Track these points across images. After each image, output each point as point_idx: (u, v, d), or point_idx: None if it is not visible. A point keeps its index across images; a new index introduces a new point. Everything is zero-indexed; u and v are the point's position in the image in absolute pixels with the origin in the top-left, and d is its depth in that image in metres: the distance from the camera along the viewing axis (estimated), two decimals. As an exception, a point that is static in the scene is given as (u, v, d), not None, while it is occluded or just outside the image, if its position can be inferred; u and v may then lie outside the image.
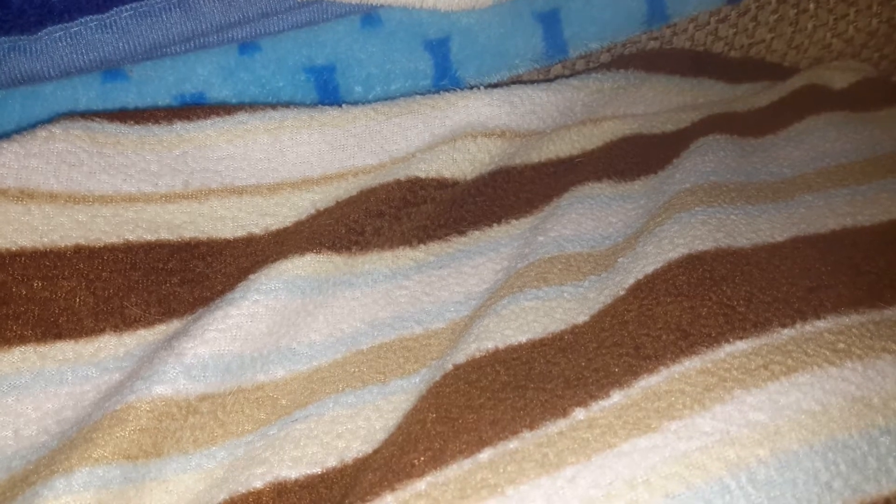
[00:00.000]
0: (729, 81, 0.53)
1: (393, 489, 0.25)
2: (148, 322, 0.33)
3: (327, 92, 0.43)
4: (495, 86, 0.43)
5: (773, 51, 0.54)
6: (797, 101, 0.50)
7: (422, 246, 0.39)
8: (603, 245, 0.39)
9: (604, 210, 0.41)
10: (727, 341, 0.28)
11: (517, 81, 0.45)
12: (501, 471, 0.25)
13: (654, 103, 0.49)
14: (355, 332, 0.35)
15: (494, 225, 0.41)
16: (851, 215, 0.38)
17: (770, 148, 0.46)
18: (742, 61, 0.54)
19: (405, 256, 0.38)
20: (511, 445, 0.26)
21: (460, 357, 0.31)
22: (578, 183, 0.42)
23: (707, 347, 0.28)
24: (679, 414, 0.26)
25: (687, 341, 0.28)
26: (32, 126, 0.35)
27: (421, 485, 0.25)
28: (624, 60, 0.48)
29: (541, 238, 0.39)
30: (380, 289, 0.37)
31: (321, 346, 0.34)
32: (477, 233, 0.40)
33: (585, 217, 0.40)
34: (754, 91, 0.53)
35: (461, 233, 0.40)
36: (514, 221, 0.41)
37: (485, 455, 0.26)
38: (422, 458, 0.26)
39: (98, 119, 0.36)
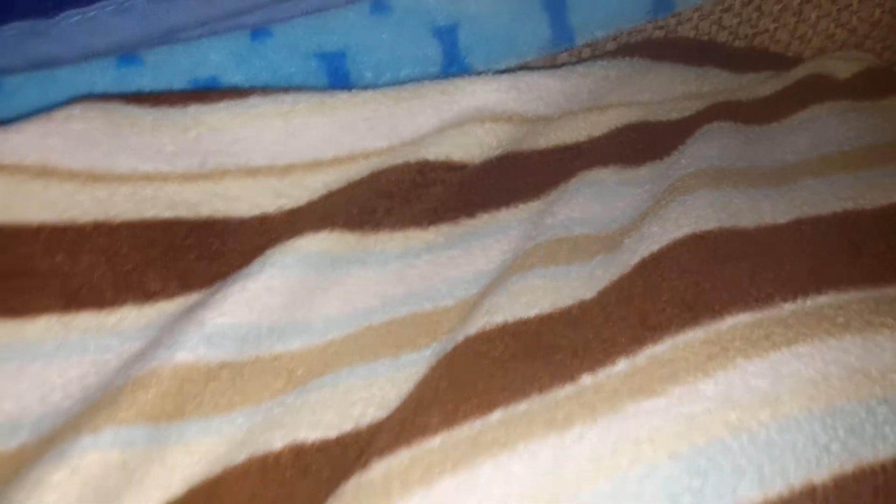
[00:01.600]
0: (733, 71, 0.53)
1: (409, 444, 0.26)
2: (168, 295, 0.34)
3: (338, 78, 0.44)
4: (503, 72, 0.44)
5: (777, 41, 0.55)
6: (801, 90, 0.51)
7: (432, 228, 0.40)
8: (609, 227, 0.39)
9: (610, 195, 0.42)
10: (730, 314, 0.29)
11: (524, 68, 0.46)
12: (512, 430, 0.26)
13: (660, 91, 0.50)
14: (368, 308, 0.36)
15: (503, 208, 0.41)
16: (853, 199, 0.39)
17: (774, 136, 0.47)
18: (746, 51, 0.55)
19: (415, 238, 0.39)
20: (521, 407, 0.27)
21: (471, 330, 0.32)
22: (585, 168, 0.43)
23: (710, 319, 0.29)
24: (683, 380, 0.26)
25: (691, 313, 0.29)
26: (50, 108, 0.36)
27: (435, 441, 0.26)
28: (629, 49, 0.49)
29: (549, 220, 0.39)
30: (391, 268, 0.38)
31: (335, 320, 0.35)
32: (486, 216, 0.41)
33: (592, 201, 0.41)
34: (759, 81, 0.54)
35: (470, 215, 0.41)
36: (521, 205, 0.42)
37: (496, 416, 0.27)
38: (435, 420, 0.27)
39: (115, 101, 0.37)
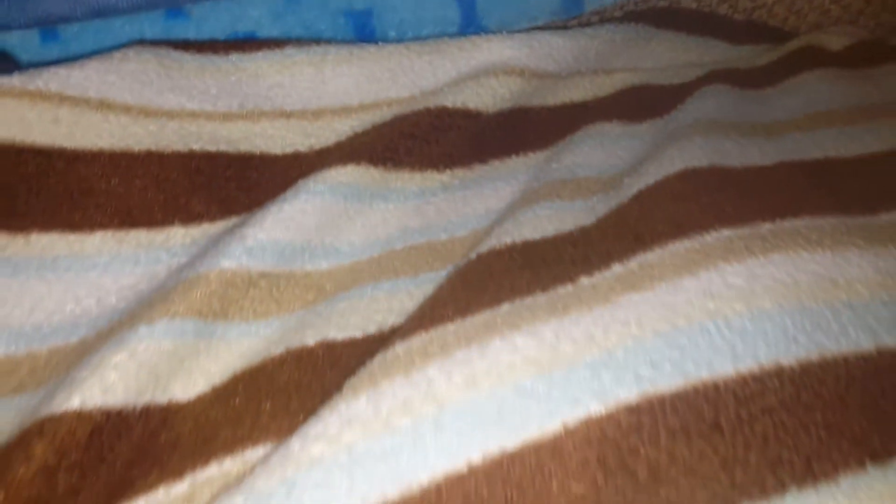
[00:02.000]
0: (732, 42, 0.57)
1: (427, 330, 0.30)
2: (210, 218, 0.38)
3: (364, 35, 0.48)
4: (516, 32, 0.47)
5: (775, 15, 0.58)
6: (794, 59, 0.55)
7: (447, 171, 0.43)
8: (610, 172, 0.43)
9: (612, 145, 0.45)
10: (714, 229, 0.33)
11: (536, 29, 0.50)
12: (518, 316, 0.29)
13: (663, 59, 0.54)
14: (389, 236, 0.40)
15: (513, 156, 0.45)
16: (835, 149, 0.43)
17: (767, 98, 0.50)
18: (745, 24, 0.58)
19: (432, 179, 0.43)
20: (526, 302, 0.31)
21: (482, 249, 0.36)
22: (590, 123, 0.47)
23: (696, 233, 0.33)
24: (669, 278, 0.30)
25: (679, 229, 0.33)
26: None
27: (450, 327, 0.30)
28: (634, 16, 0.52)
29: (554, 165, 0.43)
30: (410, 204, 0.42)
31: (359, 245, 0.39)
32: (497, 162, 0.45)
33: (595, 150, 0.45)
34: (756, 53, 0.57)
35: (483, 161, 0.44)
36: (530, 154, 0.45)
37: (504, 308, 0.30)
38: (450, 311, 0.31)
39: (165, 46, 0.41)
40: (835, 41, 0.57)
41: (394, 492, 0.25)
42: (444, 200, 0.42)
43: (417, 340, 0.29)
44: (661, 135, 0.45)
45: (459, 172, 0.44)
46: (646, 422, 0.26)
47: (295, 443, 0.26)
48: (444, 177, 0.43)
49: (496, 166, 0.44)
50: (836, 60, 0.54)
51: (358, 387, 0.28)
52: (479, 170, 0.44)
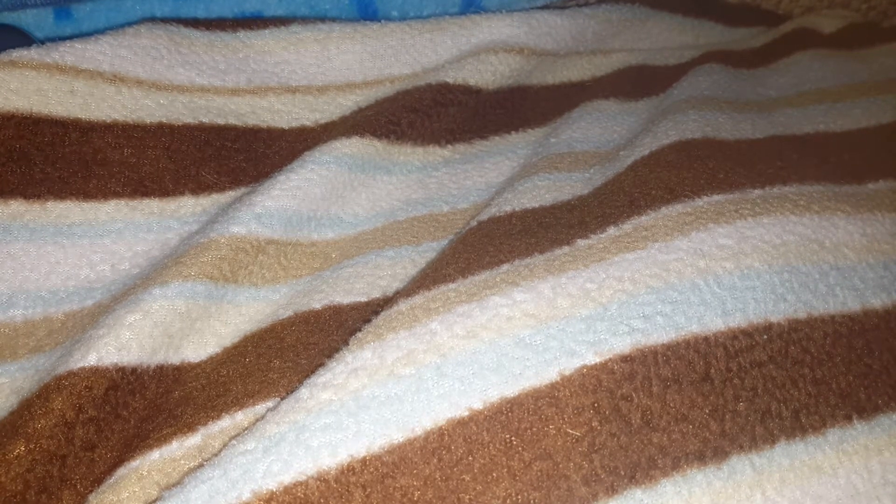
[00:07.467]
0: (727, 25, 0.58)
1: (429, 289, 0.31)
2: (220, 188, 0.39)
3: (367, 16, 0.49)
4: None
5: (769, -2, 0.60)
6: (788, 40, 0.56)
7: (449, 146, 0.45)
8: (607, 146, 0.44)
9: (610, 121, 0.47)
10: (706, 194, 0.34)
11: (534, 8, 0.51)
12: (517, 274, 0.31)
13: (659, 40, 0.55)
14: (392, 208, 0.41)
15: (513, 132, 0.46)
16: (825, 123, 0.44)
17: (760, 77, 0.52)
18: (740, 7, 0.60)
19: (434, 153, 0.44)
20: (525, 262, 0.32)
21: (483, 217, 0.37)
22: (588, 100, 0.48)
23: (688, 198, 0.34)
24: (662, 238, 0.31)
25: (672, 194, 0.34)
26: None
27: (452, 285, 0.31)
28: (631, -4, 0.54)
29: (553, 140, 0.44)
30: (413, 177, 0.43)
31: (364, 216, 0.40)
32: (497, 138, 0.46)
33: (593, 125, 0.46)
34: (750, 35, 0.59)
35: (483, 137, 0.46)
36: (530, 130, 0.47)
37: (504, 268, 0.32)
38: (452, 271, 0.32)
39: (175, 24, 0.42)
40: (827, 24, 0.58)
41: (399, 435, 0.26)
42: (446, 174, 0.43)
43: (420, 298, 0.31)
44: (656, 110, 0.47)
45: (461, 148, 0.45)
46: (639, 371, 0.27)
47: (304, 391, 0.27)
48: (446, 151, 0.45)
49: (496, 142, 0.46)
50: (829, 42, 0.55)
51: (364, 340, 0.29)
52: (479, 145, 0.45)
